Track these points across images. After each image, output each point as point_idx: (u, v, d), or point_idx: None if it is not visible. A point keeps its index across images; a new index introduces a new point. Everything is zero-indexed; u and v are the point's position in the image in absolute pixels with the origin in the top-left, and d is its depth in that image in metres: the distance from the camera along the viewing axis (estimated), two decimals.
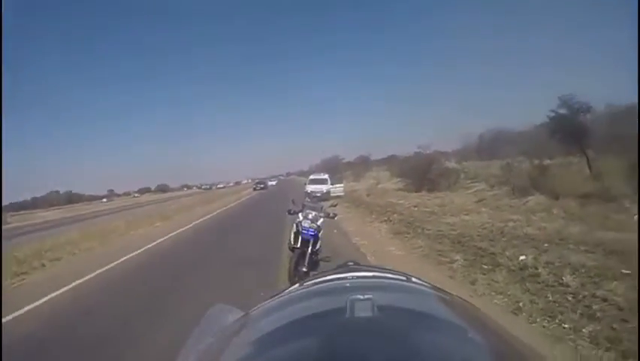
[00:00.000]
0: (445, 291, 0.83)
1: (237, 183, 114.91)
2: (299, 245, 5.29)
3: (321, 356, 0.52)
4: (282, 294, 0.87)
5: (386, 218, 11.77)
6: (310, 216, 5.42)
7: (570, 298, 4.26)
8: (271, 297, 0.88)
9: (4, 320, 5.43)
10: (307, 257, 5.23)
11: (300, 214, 5.55)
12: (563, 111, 12.59)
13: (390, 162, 38.76)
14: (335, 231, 9.75)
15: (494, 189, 15.46)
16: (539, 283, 4.90)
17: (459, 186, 18.43)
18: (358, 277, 0.90)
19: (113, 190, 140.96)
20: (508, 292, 4.70)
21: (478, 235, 8.11)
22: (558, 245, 6.72)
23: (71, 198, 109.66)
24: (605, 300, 4.07)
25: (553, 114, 13.02)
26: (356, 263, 1.28)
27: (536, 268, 5.42)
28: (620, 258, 5.42)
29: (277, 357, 0.56)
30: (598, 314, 3.77)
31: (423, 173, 19.29)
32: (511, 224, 8.93)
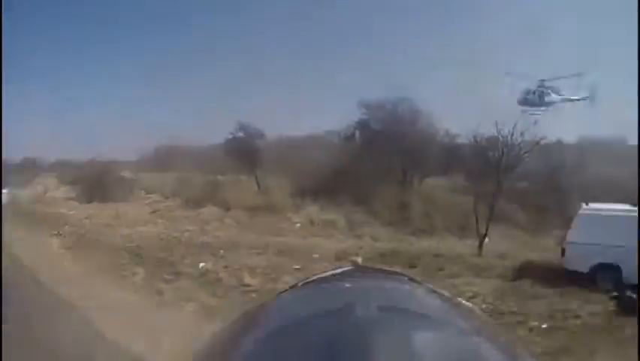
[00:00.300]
0: (445, 293, 0.82)
1: None
2: None
3: (321, 357, 0.50)
4: (282, 294, 0.80)
5: (56, 231, 10.97)
6: None
7: (255, 296, 4.68)
8: (270, 297, 0.83)
9: None
10: None
11: None
12: (240, 135, 14.88)
13: (60, 168, 33.40)
14: None
15: (169, 200, 16.01)
16: (223, 286, 5.14)
17: (134, 196, 18.45)
18: (358, 277, 0.87)
19: None
20: (198, 298, 4.64)
21: (157, 246, 8.17)
22: (233, 250, 7.39)
23: None
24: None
25: (231, 136, 15.22)
26: (356, 265, 1.35)
27: (217, 273, 5.68)
28: (288, 257, 6.52)
29: (277, 357, 0.53)
30: None
31: (95, 182, 18.47)
32: (187, 234, 9.40)
